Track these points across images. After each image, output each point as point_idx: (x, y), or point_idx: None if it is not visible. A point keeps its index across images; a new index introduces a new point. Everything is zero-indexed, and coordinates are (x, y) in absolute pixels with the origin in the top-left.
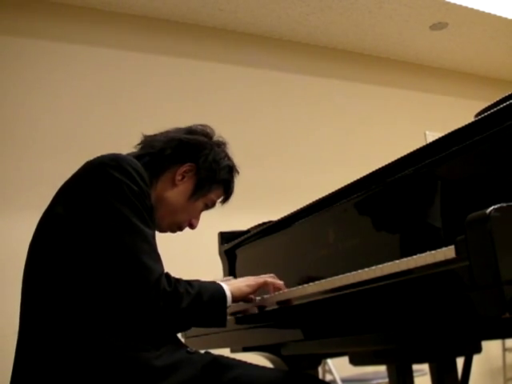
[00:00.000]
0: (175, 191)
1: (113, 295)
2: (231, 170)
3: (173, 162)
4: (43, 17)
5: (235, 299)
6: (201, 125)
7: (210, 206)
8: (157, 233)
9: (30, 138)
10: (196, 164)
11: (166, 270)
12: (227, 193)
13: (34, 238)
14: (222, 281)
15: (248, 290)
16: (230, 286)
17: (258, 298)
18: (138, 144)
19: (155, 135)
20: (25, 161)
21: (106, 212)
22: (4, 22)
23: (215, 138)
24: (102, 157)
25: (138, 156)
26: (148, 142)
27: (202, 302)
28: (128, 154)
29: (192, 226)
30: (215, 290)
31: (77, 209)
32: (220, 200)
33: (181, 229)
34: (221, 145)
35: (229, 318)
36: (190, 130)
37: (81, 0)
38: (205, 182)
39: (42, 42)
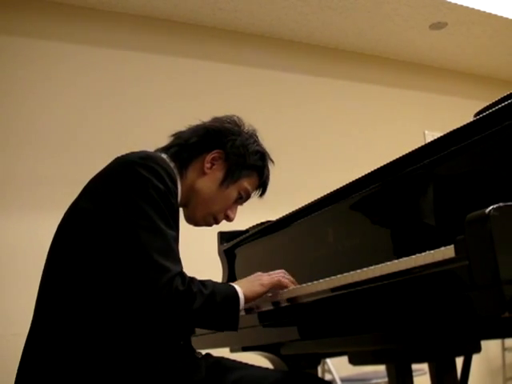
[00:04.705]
0: (205, 179)
1: (126, 294)
2: (263, 156)
3: (200, 151)
4: (43, 17)
5: (248, 301)
6: (227, 115)
7: (244, 195)
8: None
9: (30, 137)
10: (224, 150)
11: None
12: (261, 180)
13: (58, 232)
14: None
15: (262, 290)
16: (243, 288)
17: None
18: (170, 136)
19: (182, 130)
20: (24, 161)
21: (129, 210)
22: (4, 22)
23: (244, 126)
24: (132, 154)
25: (166, 147)
26: (176, 135)
27: (216, 303)
28: (157, 149)
29: (228, 218)
30: (229, 291)
31: (103, 205)
32: (258, 192)
33: (217, 221)
34: (249, 131)
35: None
36: (216, 119)
37: (81, 0)
38: (234, 168)
39: (42, 42)
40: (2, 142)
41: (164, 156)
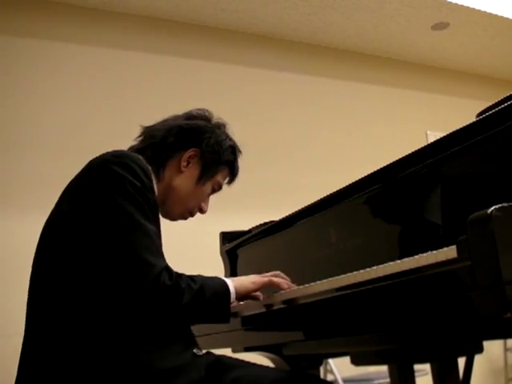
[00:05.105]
0: (182, 178)
1: (115, 292)
2: (234, 150)
3: (176, 150)
4: (43, 17)
5: (239, 295)
6: (198, 109)
7: (217, 188)
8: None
9: (31, 138)
10: (199, 148)
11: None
12: (233, 173)
13: (41, 236)
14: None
15: (252, 287)
16: (234, 282)
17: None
18: (138, 136)
19: (154, 125)
20: (26, 161)
21: (108, 207)
22: (4, 22)
23: (214, 120)
24: (106, 154)
25: (140, 149)
26: (148, 133)
27: (205, 298)
28: (130, 148)
29: (202, 211)
30: (218, 285)
31: (81, 205)
32: (226, 181)
33: (192, 214)
34: (221, 126)
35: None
36: (189, 116)
37: (81, 0)
38: (210, 165)
39: (42, 42)
40: (3, 143)
41: (140, 158)
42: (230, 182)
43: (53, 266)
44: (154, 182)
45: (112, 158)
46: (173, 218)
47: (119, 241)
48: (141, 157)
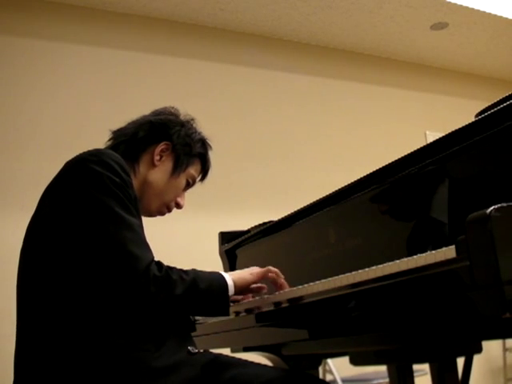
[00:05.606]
0: (156, 171)
1: (105, 289)
2: (204, 143)
3: (148, 144)
4: (43, 17)
5: (239, 288)
6: (165, 107)
7: (191, 182)
8: (156, 234)
9: (30, 137)
10: (171, 141)
11: (157, 259)
12: (204, 167)
13: (25, 240)
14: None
15: (251, 278)
16: (232, 276)
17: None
18: (108, 140)
19: (123, 127)
20: (25, 161)
21: (89, 205)
22: (4, 22)
23: (182, 116)
24: (82, 153)
25: (113, 147)
26: (118, 133)
27: (200, 290)
28: (106, 148)
29: (179, 206)
30: (214, 278)
31: (62, 205)
32: (199, 178)
33: (169, 210)
34: (189, 121)
35: (232, 317)
36: (157, 113)
37: (81, 0)
38: (182, 157)
39: (42, 42)
40: (2, 143)
41: (117, 155)
42: (203, 177)
43: (40, 267)
44: (132, 177)
45: (89, 156)
46: (151, 214)
47: (104, 236)
48: (117, 154)
